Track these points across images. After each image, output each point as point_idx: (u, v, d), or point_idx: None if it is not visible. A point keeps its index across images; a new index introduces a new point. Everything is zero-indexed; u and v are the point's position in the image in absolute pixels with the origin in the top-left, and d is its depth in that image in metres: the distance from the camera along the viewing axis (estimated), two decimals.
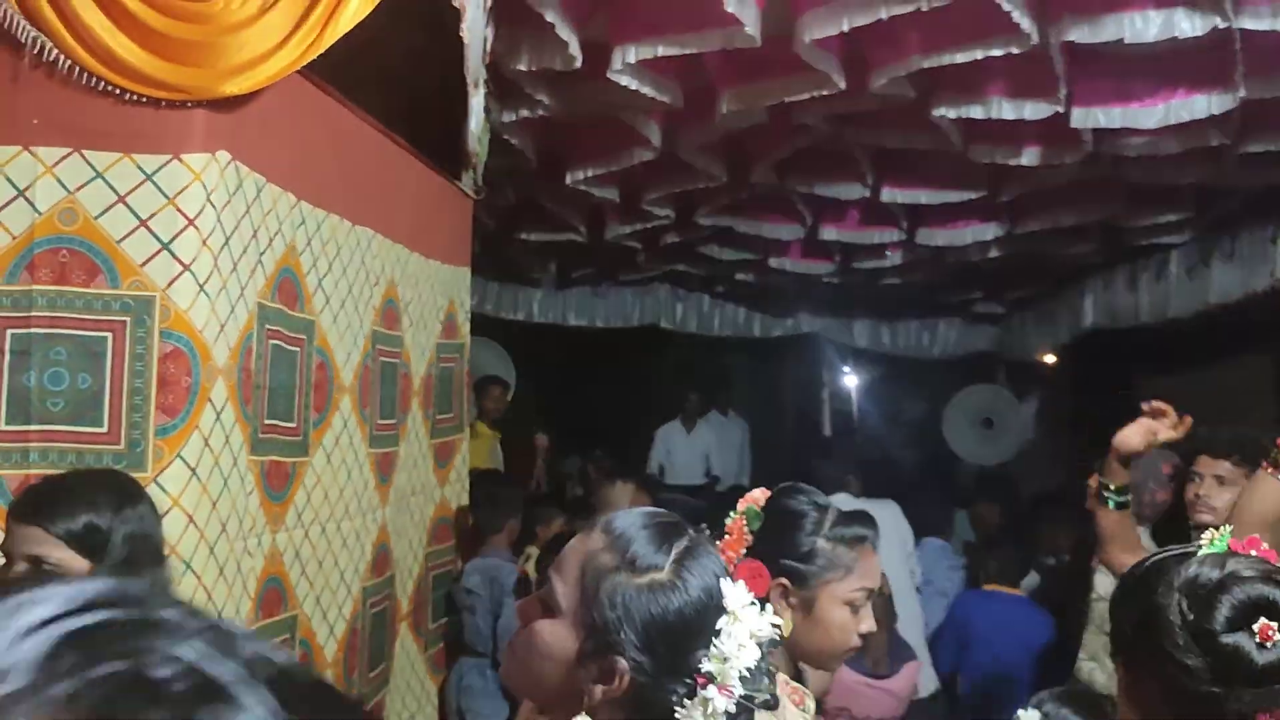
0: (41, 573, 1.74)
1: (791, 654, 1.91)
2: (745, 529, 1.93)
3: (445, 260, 3.67)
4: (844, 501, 4.75)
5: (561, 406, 8.73)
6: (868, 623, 1.92)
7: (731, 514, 1.95)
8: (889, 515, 4.88)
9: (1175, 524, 3.37)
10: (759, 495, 1.99)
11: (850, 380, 10.43)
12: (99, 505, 1.77)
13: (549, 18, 3.33)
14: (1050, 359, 8.72)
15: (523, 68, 3.72)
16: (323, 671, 2.73)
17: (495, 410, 6.63)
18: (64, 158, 2.18)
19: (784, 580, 1.88)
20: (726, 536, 1.92)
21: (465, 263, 3.94)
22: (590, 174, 4.98)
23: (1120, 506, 2.60)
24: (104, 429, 2.12)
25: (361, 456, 2.98)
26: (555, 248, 7.07)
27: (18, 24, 2.13)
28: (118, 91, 2.17)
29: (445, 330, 3.67)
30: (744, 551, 1.91)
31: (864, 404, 10.34)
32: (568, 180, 5.03)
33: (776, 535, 1.91)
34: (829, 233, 6.27)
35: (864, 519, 1.96)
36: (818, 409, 10.54)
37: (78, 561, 1.75)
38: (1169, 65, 3.81)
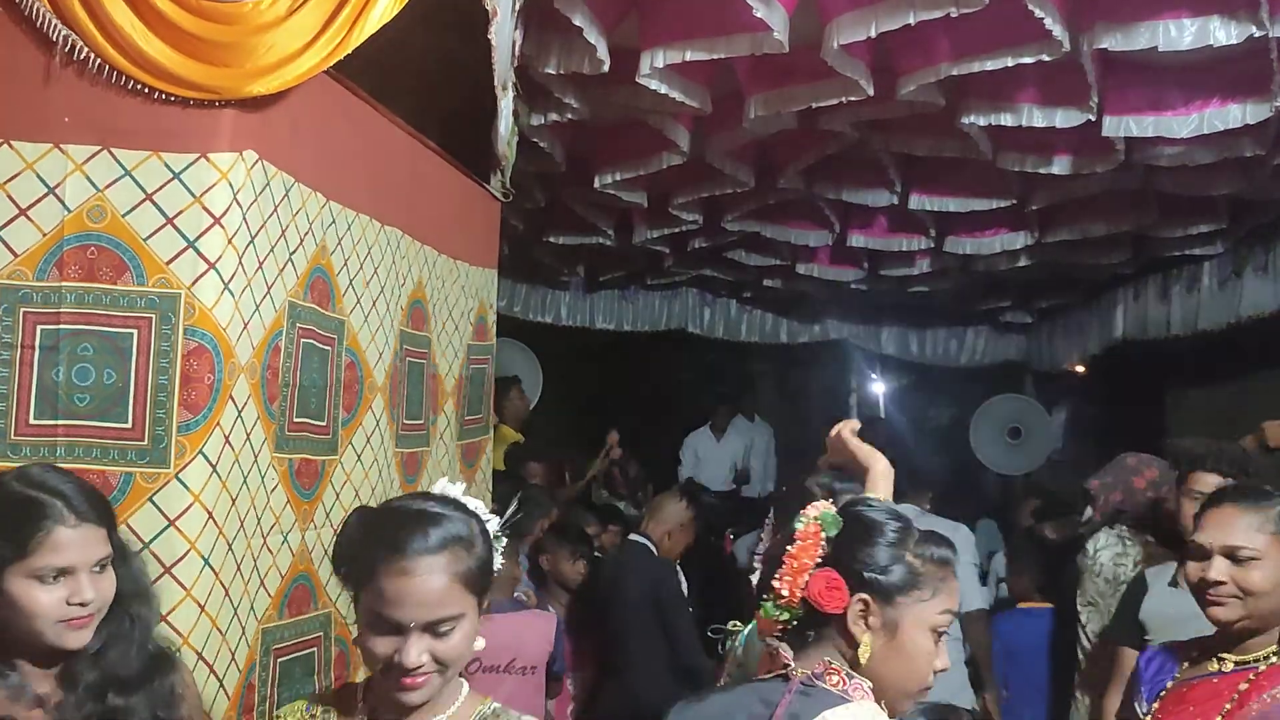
0: None
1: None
2: (821, 535, 1.76)
3: (473, 262, 3.68)
4: (912, 514, 4.68)
5: (588, 409, 8.73)
6: (944, 658, 1.77)
7: (802, 518, 1.78)
8: (961, 540, 4.79)
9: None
10: (828, 504, 1.82)
11: (877, 387, 10.38)
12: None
13: (577, 21, 3.34)
14: (1079, 369, 8.64)
15: (551, 71, 3.74)
16: (360, 669, 2.74)
17: (514, 411, 6.61)
18: (93, 155, 2.19)
19: (866, 596, 1.72)
20: (798, 543, 1.75)
21: (493, 265, 3.95)
22: (618, 178, 5.00)
23: None
24: (129, 425, 2.13)
25: (390, 456, 2.99)
26: (583, 251, 7.09)
27: (49, 23, 2.16)
28: (147, 90, 2.19)
29: (476, 332, 3.69)
30: (819, 560, 1.75)
31: (891, 411, 10.28)
32: (596, 184, 5.05)
33: (857, 545, 1.75)
34: (857, 239, 6.26)
35: (947, 540, 1.81)
36: (845, 415, 10.47)
37: None
38: (1203, 74, 3.78)
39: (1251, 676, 2.16)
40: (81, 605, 1.75)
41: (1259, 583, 2.15)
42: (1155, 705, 2.28)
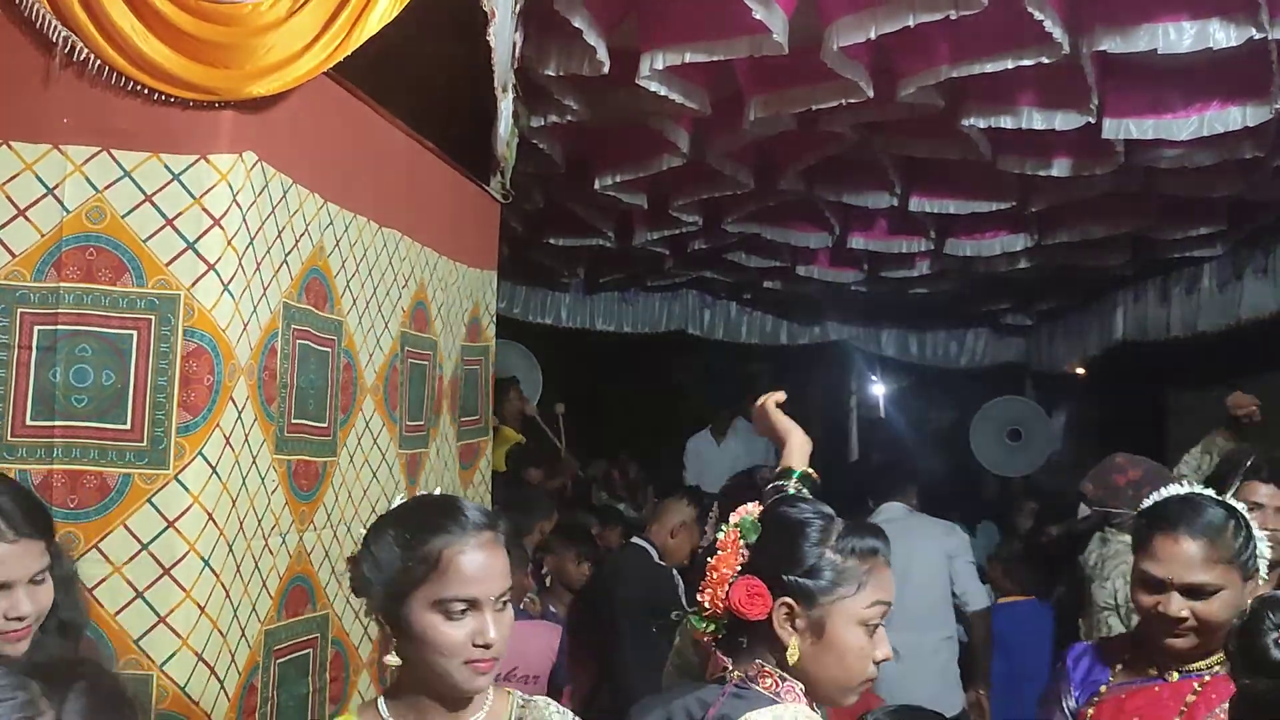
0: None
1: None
2: (740, 543, 1.78)
3: (472, 264, 3.68)
4: (898, 512, 4.73)
5: (588, 411, 8.73)
6: (884, 648, 1.75)
7: (724, 526, 1.81)
8: (957, 541, 4.81)
9: None
10: (753, 507, 1.84)
11: (877, 389, 10.38)
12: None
13: (577, 23, 3.34)
14: (1079, 371, 8.65)
15: (551, 73, 3.74)
16: (359, 671, 2.74)
17: (513, 412, 6.62)
18: (93, 156, 2.19)
19: (789, 600, 1.72)
20: (719, 553, 1.78)
21: (492, 266, 3.94)
22: (618, 179, 5.00)
23: None
24: (127, 426, 2.13)
25: (391, 457, 2.99)
26: (583, 252, 7.09)
27: (49, 24, 2.15)
28: (146, 92, 2.19)
29: (470, 333, 3.68)
30: (739, 568, 1.77)
31: (890, 412, 10.28)
32: (596, 185, 5.05)
33: (777, 548, 1.76)
34: (857, 241, 6.27)
35: (874, 529, 1.80)
36: (845, 417, 10.50)
37: None
38: (1203, 76, 3.78)
39: (1197, 686, 2.11)
40: (19, 620, 1.74)
41: (1219, 613, 2.07)
42: (1091, 710, 2.23)
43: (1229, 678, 1.72)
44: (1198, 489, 2.23)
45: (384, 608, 1.66)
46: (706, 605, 1.79)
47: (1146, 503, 2.24)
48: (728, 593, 1.76)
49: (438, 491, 1.86)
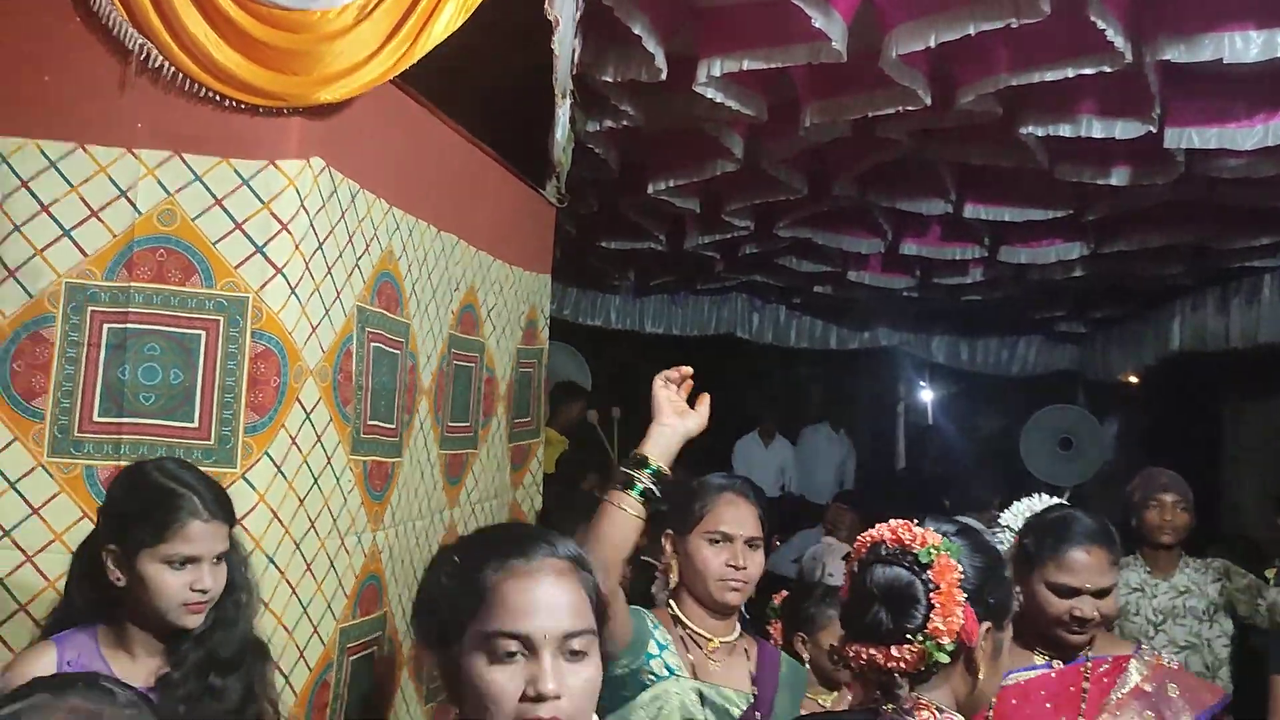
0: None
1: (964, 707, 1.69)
2: (958, 569, 1.67)
3: (527, 267, 3.71)
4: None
5: (635, 413, 8.74)
6: None
7: (930, 551, 1.66)
8: None
9: None
10: (933, 531, 1.72)
11: (926, 395, 10.31)
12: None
13: (636, 30, 3.36)
14: (1132, 380, 8.53)
15: (608, 78, 3.75)
16: (401, 669, 2.78)
17: (567, 418, 6.66)
18: (164, 161, 2.24)
19: (989, 624, 1.68)
20: (946, 579, 1.65)
21: (546, 269, 3.98)
22: (672, 184, 5.00)
23: None
24: (195, 424, 2.18)
25: (434, 457, 3.03)
26: (634, 256, 7.11)
27: (125, 31, 2.21)
28: (218, 98, 2.24)
29: (525, 336, 3.71)
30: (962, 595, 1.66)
31: (939, 419, 10.21)
32: (649, 190, 5.06)
33: (984, 574, 1.70)
34: (909, 247, 6.23)
35: None
36: (892, 424, 10.44)
37: None
38: (1269, 85, 3.72)
39: (1084, 669, 2.34)
40: (202, 592, 1.92)
41: (1113, 608, 2.37)
42: (995, 699, 2.30)
43: (1107, 658, 2.27)
44: (1060, 502, 2.53)
45: (436, 653, 1.37)
46: (943, 634, 1.64)
47: (1010, 518, 2.54)
48: (961, 619, 1.65)
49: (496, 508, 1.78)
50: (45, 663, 1.89)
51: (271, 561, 2.17)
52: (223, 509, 1.96)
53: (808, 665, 2.80)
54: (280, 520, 2.19)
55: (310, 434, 2.27)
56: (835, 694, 2.90)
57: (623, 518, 1.97)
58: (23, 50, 2.25)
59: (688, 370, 2.13)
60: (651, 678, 2.20)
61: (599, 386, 8.05)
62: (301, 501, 2.25)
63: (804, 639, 2.99)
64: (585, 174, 4.89)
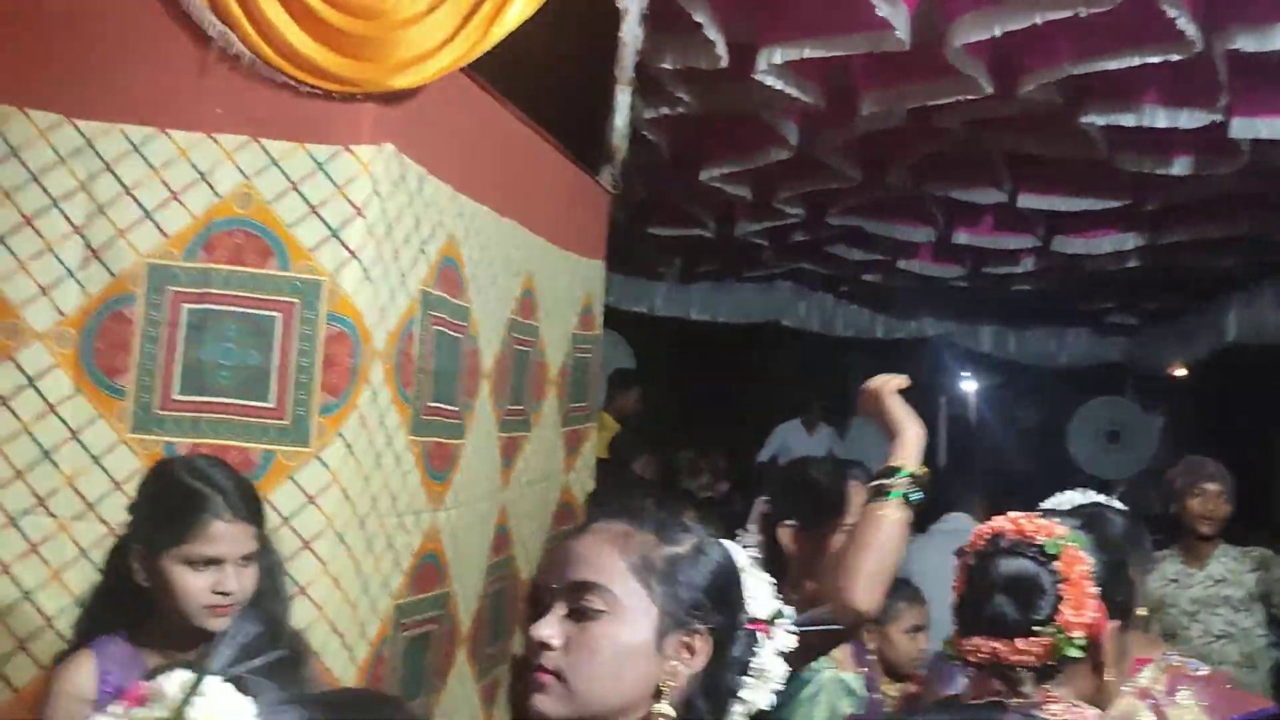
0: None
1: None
2: (1086, 561, 1.62)
3: (582, 253, 3.73)
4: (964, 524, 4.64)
5: (679, 400, 8.76)
6: None
7: (1057, 543, 1.62)
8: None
9: None
10: (1060, 525, 1.68)
11: (973, 385, 10.24)
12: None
13: (698, 18, 3.36)
14: (1182, 373, 8.44)
15: (667, 66, 3.76)
16: (460, 645, 2.82)
17: (622, 405, 6.70)
18: (242, 145, 2.28)
19: (1120, 621, 1.65)
20: (1075, 572, 1.60)
21: (600, 255, 4.00)
22: (725, 171, 5.01)
23: None
24: (271, 404, 2.22)
25: (493, 440, 3.06)
26: (681, 242, 7.11)
27: (206, 19, 2.25)
28: (293, 83, 2.27)
29: (582, 322, 3.74)
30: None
31: (986, 410, 10.15)
32: (701, 176, 5.07)
33: (1111, 568, 1.66)
34: (961, 237, 6.19)
35: None
36: (935, 413, 10.39)
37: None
38: None
39: None
40: (225, 594, 1.86)
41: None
42: None
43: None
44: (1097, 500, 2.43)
45: None
46: (1076, 629, 1.60)
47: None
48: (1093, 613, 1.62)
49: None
50: (86, 673, 1.85)
51: (341, 540, 2.21)
52: (249, 510, 1.91)
53: (875, 656, 2.78)
54: (351, 500, 2.23)
55: (375, 415, 2.31)
56: (901, 685, 2.90)
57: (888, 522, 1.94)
58: (107, 38, 2.30)
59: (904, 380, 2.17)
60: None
61: (643, 373, 8.09)
62: (366, 481, 2.30)
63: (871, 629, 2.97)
64: (636, 160, 4.91)
